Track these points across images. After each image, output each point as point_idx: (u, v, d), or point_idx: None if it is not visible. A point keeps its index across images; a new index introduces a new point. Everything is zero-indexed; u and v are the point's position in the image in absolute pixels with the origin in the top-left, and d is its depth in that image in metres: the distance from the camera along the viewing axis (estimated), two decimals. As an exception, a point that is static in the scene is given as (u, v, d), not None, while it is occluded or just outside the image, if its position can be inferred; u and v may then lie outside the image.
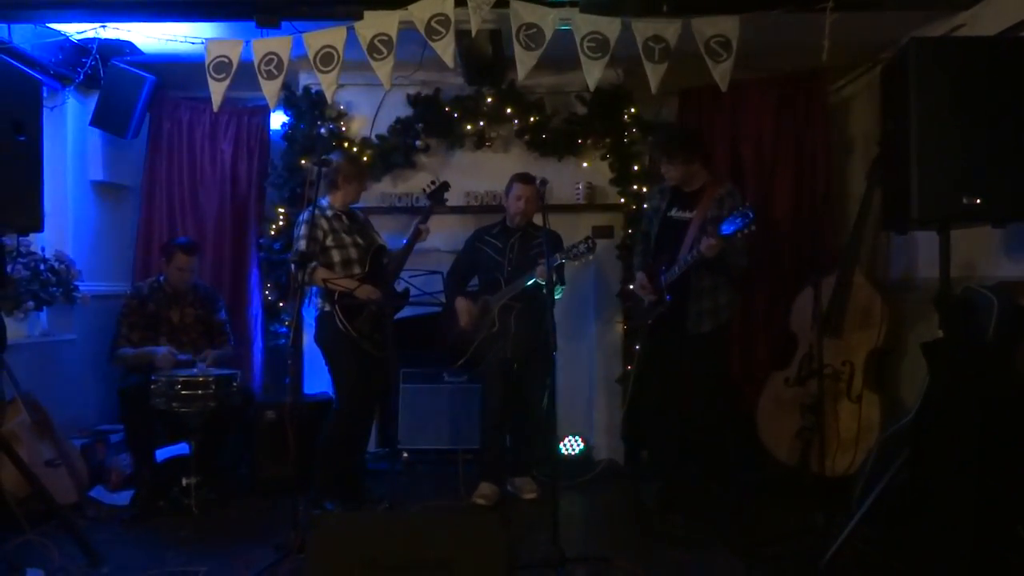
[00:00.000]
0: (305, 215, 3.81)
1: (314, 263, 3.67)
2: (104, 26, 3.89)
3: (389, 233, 4.43)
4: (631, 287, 4.14)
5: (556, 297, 4.10)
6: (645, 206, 4.26)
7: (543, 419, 3.99)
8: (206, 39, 3.84)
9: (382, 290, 3.75)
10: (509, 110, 4.74)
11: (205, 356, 4.13)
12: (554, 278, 3.66)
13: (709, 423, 3.81)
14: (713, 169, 3.94)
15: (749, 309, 4.68)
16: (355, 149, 4.76)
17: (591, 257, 3.87)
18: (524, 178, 4.07)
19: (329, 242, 3.82)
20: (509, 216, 4.12)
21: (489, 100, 4.73)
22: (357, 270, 3.84)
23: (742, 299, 4.16)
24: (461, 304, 4.11)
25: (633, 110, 4.70)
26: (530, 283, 3.90)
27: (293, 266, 3.87)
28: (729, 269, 3.68)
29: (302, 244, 3.72)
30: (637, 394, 4.24)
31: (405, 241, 3.97)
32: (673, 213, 3.86)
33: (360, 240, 3.91)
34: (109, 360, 4.21)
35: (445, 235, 4.56)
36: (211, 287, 4.53)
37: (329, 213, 3.87)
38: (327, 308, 3.81)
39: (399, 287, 3.86)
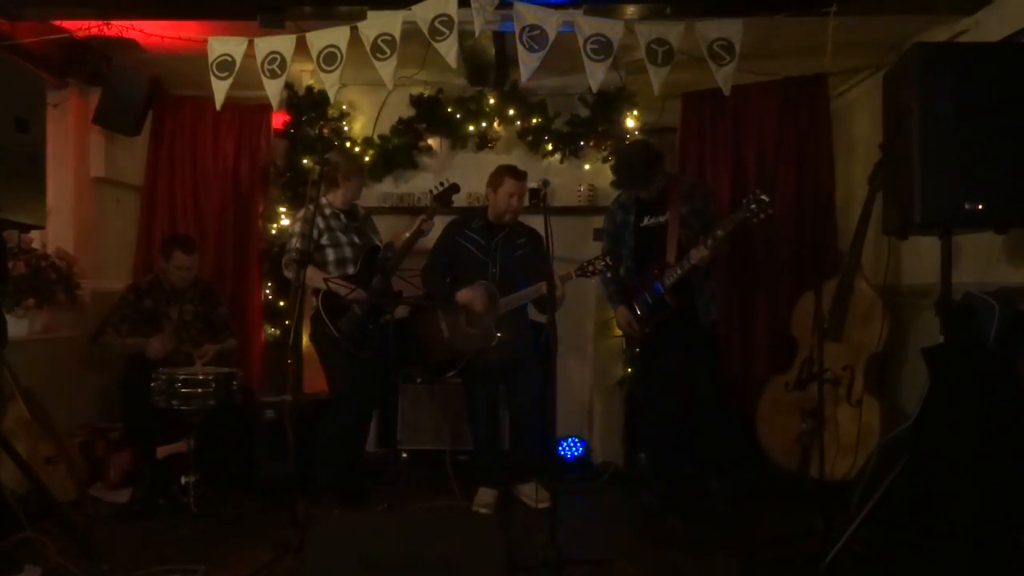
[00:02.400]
0: (301, 212, 3.82)
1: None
2: (108, 23, 3.89)
3: (390, 234, 4.42)
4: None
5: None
6: (605, 226, 4.08)
7: (535, 423, 3.91)
8: (209, 37, 3.84)
9: (373, 291, 3.73)
10: (511, 111, 4.74)
11: (204, 351, 4.12)
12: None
13: (720, 412, 3.87)
14: (664, 175, 3.92)
15: (750, 312, 4.69)
16: (357, 149, 4.76)
17: (610, 275, 3.84)
18: (517, 174, 3.94)
19: (324, 240, 3.82)
20: (497, 213, 3.96)
21: (491, 101, 4.74)
22: (351, 269, 3.83)
23: (744, 298, 4.29)
24: (466, 293, 3.87)
25: (635, 112, 4.71)
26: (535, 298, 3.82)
27: (283, 264, 3.86)
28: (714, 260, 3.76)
29: (295, 242, 3.74)
30: (633, 397, 4.23)
31: (403, 242, 3.94)
32: (646, 222, 3.89)
33: (356, 239, 3.90)
34: (90, 343, 4.17)
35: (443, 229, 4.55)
36: (210, 283, 4.52)
37: (327, 211, 3.86)
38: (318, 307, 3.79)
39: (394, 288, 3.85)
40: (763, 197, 3.52)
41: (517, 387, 3.99)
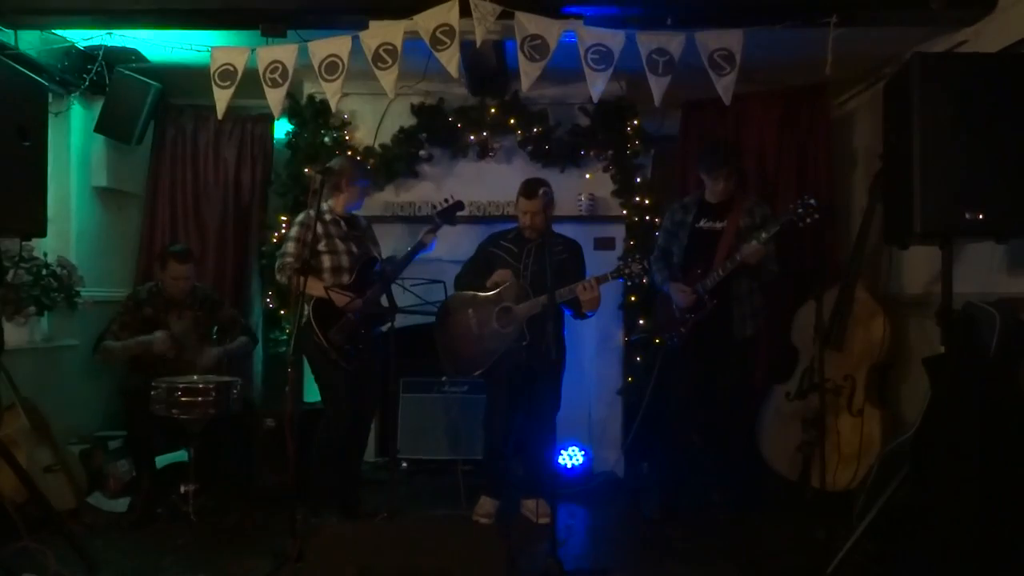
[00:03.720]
0: (300, 216, 3.83)
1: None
2: (110, 33, 3.91)
3: (391, 242, 4.42)
4: (663, 301, 3.98)
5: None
6: (661, 221, 4.18)
7: (545, 440, 3.87)
8: (211, 47, 3.85)
9: (369, 300, 3.72)
10: (512, 121, 4.75)
11: (206, 360, 4.11)
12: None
13: (740, 428, 3.87)
14: (737, 180, 3.98)
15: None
16: (358, 158, 4.77)
17: (645, 280, 3.74)
18: (527, 192, 3.86)
19: (322, 247, 3.78)
20: (522, 229, 3.95)
21: (492, 111, 4.75)
22: (347, 278, 3.82)
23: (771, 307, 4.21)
24: (498, 272, 3.85)
25: (636, 122, 4.71)
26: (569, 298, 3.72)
27: (276, 268, 3.83)
28: (762, 275, 3.78)
29: (289, 247, 3.75)
30: (654, 405, 4.17)
31: (403, 255, 3.93)
32: (702, 224, 3.93)
33: (355, 248, 3.89)
34: (93, 352, 4.18)
35: (448, 245, 4.54)
36: (211, 288, 4.51)
37: (327, 217, 3.82)
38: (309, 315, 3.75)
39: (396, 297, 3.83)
40: (811, 201, 3.57)
41: (537, 400, 3.88)
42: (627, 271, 3.63)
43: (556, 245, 3.89)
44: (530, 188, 3.86)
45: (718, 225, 3.87)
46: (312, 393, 4.49)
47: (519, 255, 3.93)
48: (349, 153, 4.77)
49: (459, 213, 4.19)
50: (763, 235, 3.64)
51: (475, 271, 4.00)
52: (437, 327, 3.96)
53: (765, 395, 4.28)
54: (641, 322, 4.62)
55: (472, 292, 3.90)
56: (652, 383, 4.16)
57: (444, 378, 4.70)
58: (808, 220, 3.59)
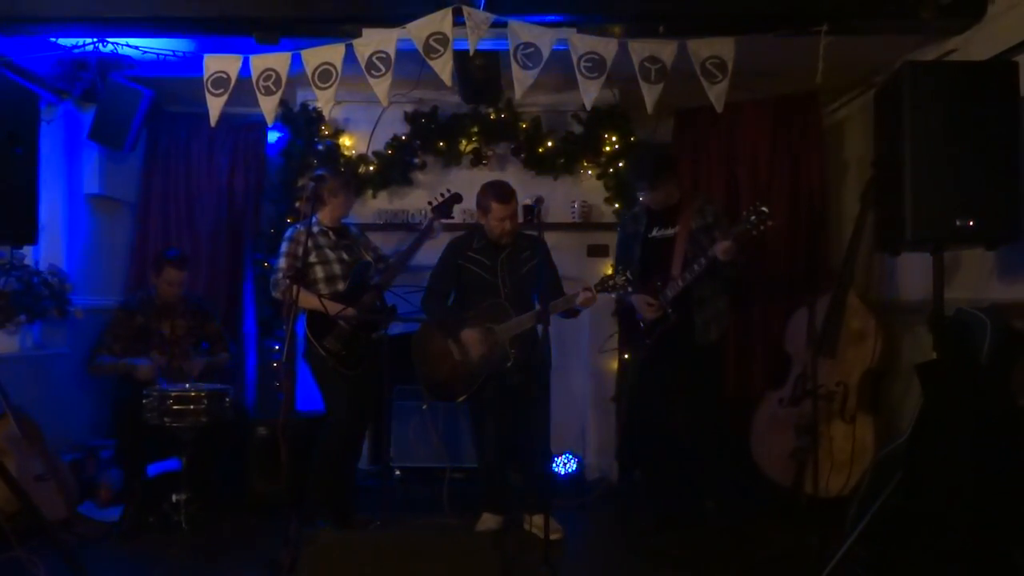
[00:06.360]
0: (289, 232, 3.86)
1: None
2: (104, 40, 3.90)
3: (385, 250, 4.41)
4: (629, 315, 3.92)
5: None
6: (618, 235, 4.12)
7: (541, 452, 3.71)
8: (205, 54, 3.85)
9: (364, 306, 3.73)
10: (505, 129, 4.76)
11: (192, 366, 4.11)
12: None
13: (710, 435, 3.81)
14: (681, 183, 3.96)
15: (744, 328, 4.69)
16: (342, 169, 4.73)
17: (630, 289, 3.66)
18: (502, 196, 3.72)
19: (312, 258, 3.80)
20: (493, 237, 3.81)
21: (486, 118, 4.75)
22: (341, 286, 3.83)
23: (738, 315, 4.25)
24: (469, 335, 3.71)
25: (629, 129, 4.72)
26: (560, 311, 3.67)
27: (271, 284, 3.84)
28: (727, 274, 3.70)
29: (281, 262, 3.76)
30: (632, 413, 4.19)
31: (408, 245, 3.92)
32: (655, 233, 3.87)
33: (346, 256, 3.90)
34: (86, 366, 4.17)
35: (440, 253, 4.55)
36: (202, 298, 4.53)
37: (315, 229, 3.83)
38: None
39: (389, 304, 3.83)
40: (763, 208, 3.51)
41: (529, 414, 3.74)
42: (610, 283, 3.61)
43: (524, 250, 3.80)
44: (505, 192, 3.75)
45: (670, 232, 3.81)
46: (305, 401, 4.49)
47: (493, 268, 3.80)
48: (342, 162, 4.77)
49: (454, 221, 4.20)
50: (731, 232, 3.56)
51: (444, 292, 3.89)
52: (414, 353, 3.85)
53: (758, 402, 4.29)
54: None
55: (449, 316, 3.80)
56: (625, 393, 4.16)
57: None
58: (762, 228, 3.50)
